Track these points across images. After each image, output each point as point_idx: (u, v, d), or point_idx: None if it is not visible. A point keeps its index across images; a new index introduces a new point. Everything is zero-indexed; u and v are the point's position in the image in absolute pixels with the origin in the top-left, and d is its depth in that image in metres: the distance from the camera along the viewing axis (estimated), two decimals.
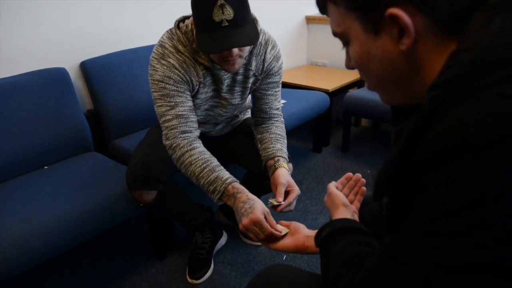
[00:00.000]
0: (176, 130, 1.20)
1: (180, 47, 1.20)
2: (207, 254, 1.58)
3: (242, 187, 1.12)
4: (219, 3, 1.00)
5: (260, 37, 1.27)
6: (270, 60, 1.31)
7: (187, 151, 1.18)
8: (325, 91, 2.39)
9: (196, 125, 1.25)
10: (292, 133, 2.81)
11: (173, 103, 1.20)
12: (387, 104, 0.59)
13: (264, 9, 2.65)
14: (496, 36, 0.41)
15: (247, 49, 1.19)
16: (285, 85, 2.59)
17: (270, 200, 1.16)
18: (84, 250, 1.72)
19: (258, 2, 2.57)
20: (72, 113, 1.70)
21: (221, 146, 1.53)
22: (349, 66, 0.57)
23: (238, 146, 1.50)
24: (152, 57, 1.22)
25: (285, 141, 1.39)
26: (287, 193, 1.19)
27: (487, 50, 0.41)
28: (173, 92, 1.20)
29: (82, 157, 1.70)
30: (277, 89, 1.39)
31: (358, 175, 0.93)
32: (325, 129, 2.60)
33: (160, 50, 1.21)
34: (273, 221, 1.00)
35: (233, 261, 1.64)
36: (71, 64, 1.78)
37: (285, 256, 1.65)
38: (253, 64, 1.29)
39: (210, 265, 1.58)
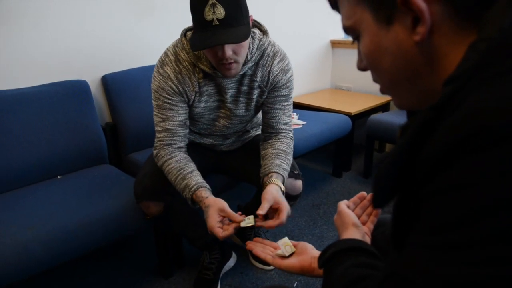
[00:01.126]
0: (162, 142, 1.28)
1: (182, 54, 1.22)
2: (214, 275, 1.52)
3: (202, 195, 1.18)
4: (210, 2, 1.01)
5: (269, 49, 1.28)
6: (277, 73, 1.29)
7: (166, 161, 1.26)
8: (348, 114, 2.33)
9: (183, 138, 1.31)
10: (312, 156, 2.74)
11: (165, 116, 1.26)
12: (400, 108, 0.52)
13: (290, 33, 2.67)
14: None
15: (243, 54, 1.16)
16: (307, 108, 2.55)
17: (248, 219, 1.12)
18: (89, 263, 1.69)
19: (284, 26, 2.59)
20: (90, 125, 1.72)
21: (231, 162, 1.50)
22: (361, 66, 0.51)
23: (247, 162, 1.46)
24: (156, 64, 1.26)
25: (289, 157, 1.34)
26: (275, 211, 1.15)
27: (508, 33, 0.35)
28: (166, 105, 1.25)
29: (95, 169, 1.70)
30: (285, 103, 1.35)
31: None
32: (347, 153, 2.51)
33: (162, 57, 1.25)
34: (231, 215, 1.11)
35: (241, 285, 1.56)
36: (93, 78, 1.81)
37: (296, 282, 1.56)
38: (259, 75, 1.28)
39: (216, 287, 1.51)
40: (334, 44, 2.99)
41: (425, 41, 0.41)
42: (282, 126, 1.36)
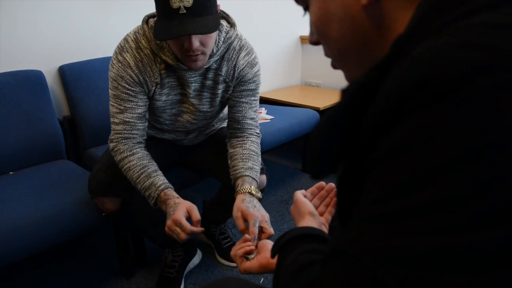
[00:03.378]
0: (119, 135, 1.20)
1: (143, 42, 1.15)
2: (177, 273, 1.46)
3: (173, 194, 1.15)
4: None
5: (235, 43, 1.23)
6: (243, 67, 1.24)
7: (126, 157, 1.19)
8: (316, 109, 2.32)
9: (142, 132, 1.24)
10: (281, 151, 2.72)
11: (123, 108, 1.18)
12: None
13: (259, 28, 2.63)
14: None
15: (210, 45, 1.10)
16: (276, 103, 2.53)
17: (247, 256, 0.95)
18: (43, 263, 1.60)
19: (253, 21, 2.56)
20: (45, 118, 1.62)
21: (195, 157, 1.45)
22: (312, 40, 0.48)
23: (212, 157, 1.41)
24: (114, 50, 1.17)
25: (259, 158, 1.29)
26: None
27: None
28: (124, 95, 1.17)
29: (52, 164, 1.61)
30: (252, 98, 1.29)
31: (332, 184, 0.82)
32: None
33: (122, 44, 1.17)
34: (196, 217, 1.08)
35: (206, 283, 1.51)
36: (49, 68, 1.71)
37: (262, 279, 1.53)
38: (224, 69, 1.23)
39: (180, 286, 1.46)
40: (304, 40, 2.98)
41: (373, 5, 0.38)
42: (249, 121, 1.31)
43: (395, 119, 0.30)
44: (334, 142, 0.38)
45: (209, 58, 1.17)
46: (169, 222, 1.07)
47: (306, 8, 0.47)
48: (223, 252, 1.62)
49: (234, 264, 1.59)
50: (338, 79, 2.89)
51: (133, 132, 1.21)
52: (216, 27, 1.03)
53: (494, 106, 0.26)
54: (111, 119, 1.21)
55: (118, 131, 1.20)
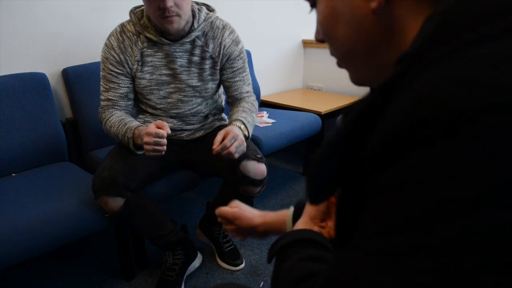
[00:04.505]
0: (104, 108, 1.38)
1: (128, 26, 1.33)
2: (177, 276, 1.46)
3: (145, 126, 1.25)
4: None
5: (217, 22, 1.38)
6: (229, 44, 1.38)
7: (107, 119, 1.34)
8: (318, 113, 2.33)
9: (124, 109, 1.40)
10: (282, 155, 2.73)
11: (108, 87, 1.35)
12: (356, 84, 0.48)
13: (262, 31, 2.64)
14: None
15: (185, 8, 1.22)
16: (278, 107, 2.53)
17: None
18: (45, 265, 1.61)
19: (256, 24, 2.57)
20: (48, 120, 1.63)
21: (195, 155, 1.49)
22: (318, 37, 0.48)
23: (211, 154, 1.43)
24: None
25: (254, 114, 1.43)
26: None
27: (463, 6, 0.31)
28: (109, 76, 1.34)
29: (54, 166, 1.61)
30: (243, 74, 1.45)
31: None
32: None
33: (112, 30, 1.36)
34: (166, 124, 1.18)
35: (205, 286, 1.51)
36: (52, 70, 1.73)
37: (262, 283, 1.53)
38: (210, 46, 1.36)
39: None
40: (306, 44, 2.99)
41: (382, 10, 0.37)
42: (245, 95, 1.46)
43: (395, 154, 0.30)
44: (334, 168, 0.38)
45: (190, 32, 1.31)
46: (145, 139, 1.16)
47: (313, 5, 0.46)
48: (224, 255, 1.62)
49: (235, 268, 1.60)
50: (340, 83, 2.90)
51: (115, 107, 1.37)
52: None
53: (491, 148, 0.25)
54: (100, 96, 1.39)
55: (103, 105, 1.38)
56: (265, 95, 2.72)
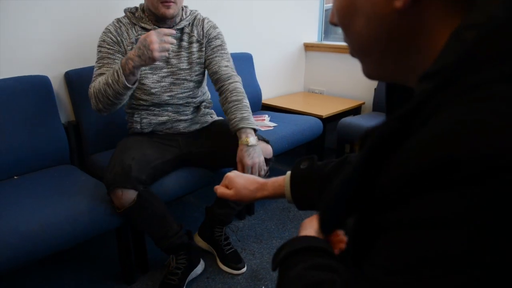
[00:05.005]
0: (94, 82, 1.40)
1: (123, 20, 1.48)
2: (179, 281, 1.46)
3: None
4: None
5: (199, 16, 1.59)
6: (208, 28, 1.58)
7: (94, 84, 1.38)
8: (319, 117, 2.33)
9: None
10: (283, 158, 2.73)
11: (101, 64, 1.42)
12: (368, 77, 0.45)
13: (263, 35, 2.65)
14: None
15: None
16: (279, 110, 2.53)
17: None
18: (45, 268, 1.61)
19: (257, 27, 2.57)
20: (51, 123, 1.63)
21: (201, 147, 1.58)
22: (332, 21, 0.44)
23: (216, 145, 1.57)
24: None
25: (244, 102, 1.47)
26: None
27: (499, 25, 0.28)
28: (104, 54, 1.42)
29: (56, 169, 1.61)
30: (222, 51, 1.57)
31: None
32: (318, 156, 2.50)
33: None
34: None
35: None
36: (55, 73, 1.73)
37: (263, 287, 1.53)
38: (195, 31, 1.56)
39: None
40: (308, 47, 3.00)
41: (407, 10, 0.34)
42: (223, 68, 1.54)
43: (412, 191, 0.29)
44: (348, 197, 0.38)
45: (181, 21, 1.51)
46: (148, 38, 1.22)
47: None
48: (225, 259, 1.62)
49: (237, 272, 1.60)
50: (342, 87, 2.90)
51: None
52: None
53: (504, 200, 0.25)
54: (92, 78, 1.42)
55: (93, 81, 1.41)
56: (266, 98, 2.72)
